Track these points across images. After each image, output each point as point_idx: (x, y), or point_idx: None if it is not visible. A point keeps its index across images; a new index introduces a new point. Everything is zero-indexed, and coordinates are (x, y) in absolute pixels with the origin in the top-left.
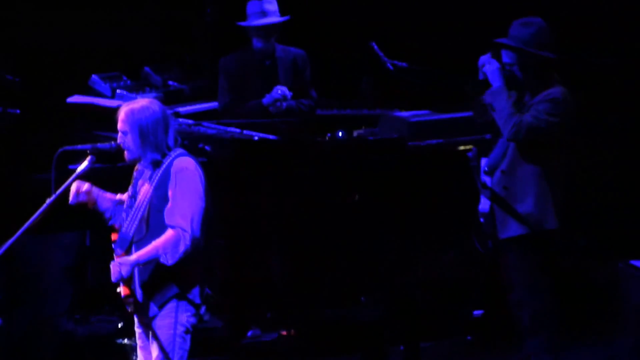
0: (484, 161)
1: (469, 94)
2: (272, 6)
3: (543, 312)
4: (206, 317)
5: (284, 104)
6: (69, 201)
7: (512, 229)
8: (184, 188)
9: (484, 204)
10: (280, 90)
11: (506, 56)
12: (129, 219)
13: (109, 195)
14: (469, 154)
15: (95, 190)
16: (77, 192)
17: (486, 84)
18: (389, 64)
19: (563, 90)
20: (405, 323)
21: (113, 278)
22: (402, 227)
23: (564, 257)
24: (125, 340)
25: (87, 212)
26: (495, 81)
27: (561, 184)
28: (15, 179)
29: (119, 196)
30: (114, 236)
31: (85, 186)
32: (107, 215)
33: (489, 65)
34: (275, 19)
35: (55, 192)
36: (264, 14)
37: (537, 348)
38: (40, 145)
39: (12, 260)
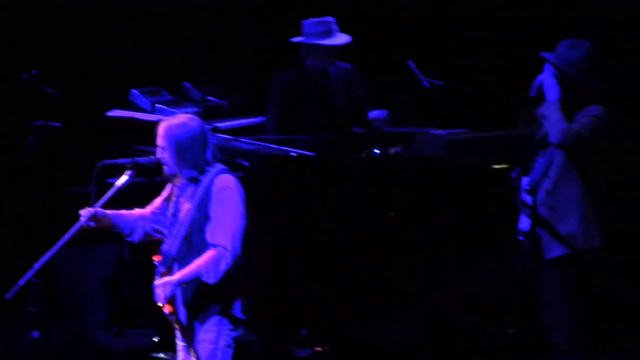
0: (524, 180)
1: (516, 108)
2: (336, 26)
3: (578, 332)
4: (244, 331)
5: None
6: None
7: (558, 249)
8: (225, 207)
9: (525, 223)
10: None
11: (548, 71)
12: (171, 237)
13: (124, 212)
14: (512, 174)
15: (106, 213)
16: (87, 221)
17: (534, 100)
18: (425, 82)
19: (603, 108)
20: (439, 342)
21: (159, 300)
22: (437, 245)
23: (598, 276)
24: (161, 355)
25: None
26: (553, 95)
27: (602, 203)
28: (56, 192)
29: (137, 211)
30: (156, 257)
31: (85, 211)
32: (126, 232)
33: (547, 80)
34: (345, 39)
35: (95, 205)
36: (330, 33)
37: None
38: (81, 159)
39: (50, 273)
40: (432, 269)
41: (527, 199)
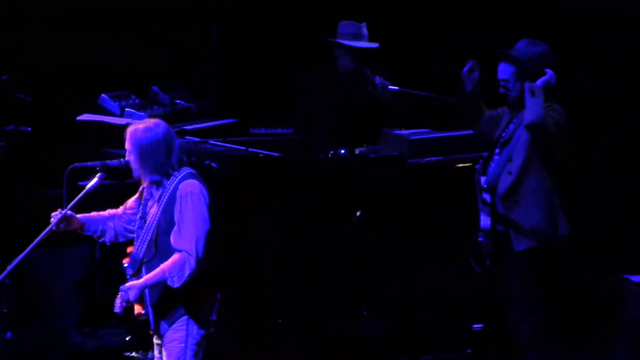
0: (482, 179)
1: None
2: (366, 30)
3: (543, 328)
4: (212, 330)
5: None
6: (54, 229)
7: (527, 241)
8: (189, 212)
9: (485, 221)
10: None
11: (503, 72)
12: (139, 240)
13: (95, 214)
14: (477, 166)
15: (75, 216)
16: (57, 224)
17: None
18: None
19: (559, 107)
20: (406, 337)
21: (117, 309)
22: (403, 243)
23: (561, 272)
24: (134, 353)
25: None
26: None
27: (567, 197)
28: (27, 195)
29: (109, 212)
30: (125, 260)
31: (56, 214)
32: (97, 234)
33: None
34: (375, 44)
35: (66, 207)
36: (361, 36)
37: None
38: (51, 162)
39: (23, 275)
40: (398, 266)
41: (486, 197)
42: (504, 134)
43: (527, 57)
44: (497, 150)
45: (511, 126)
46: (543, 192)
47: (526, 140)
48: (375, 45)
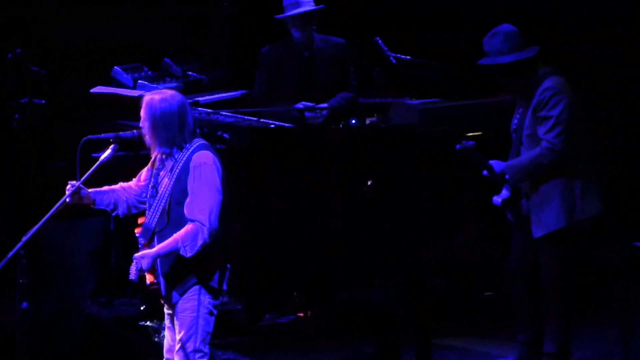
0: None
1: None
2: None
3: (563, 301)
4: (225, 300)
5: (322, 113)
6: (67, 201)
7: (544, 227)
8: (202, 183)
9: (505, 193)
10: (302, 105)
11: (495, 70)
12: (151, 210)
13: (107, 188)
14: (471, 142)
15: (88, 192)
16: (71, 195)
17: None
18: (392, 58)
19: (557, 80)
20: (417, 305)
21: (132, 276)
22: (414, 212)
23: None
24: (148, 322)
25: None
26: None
27: (587, 170)
28: (41, 167)
29: (120, 185)
30: (137, 230)
31: (68, 186)
32: (110, 208)
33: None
34: (307, 7)
35: (79, 180)
36: (298, 4)
37: (553, 332)
38: (65, 135)
39: (38, 246)
40: (409, 235)
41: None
42: (515, 121)
43: (497, 54)
44: (514, 136)
45: (516, 117)
46: (555, 184)
47: (531, 127)
48: (310, 7)
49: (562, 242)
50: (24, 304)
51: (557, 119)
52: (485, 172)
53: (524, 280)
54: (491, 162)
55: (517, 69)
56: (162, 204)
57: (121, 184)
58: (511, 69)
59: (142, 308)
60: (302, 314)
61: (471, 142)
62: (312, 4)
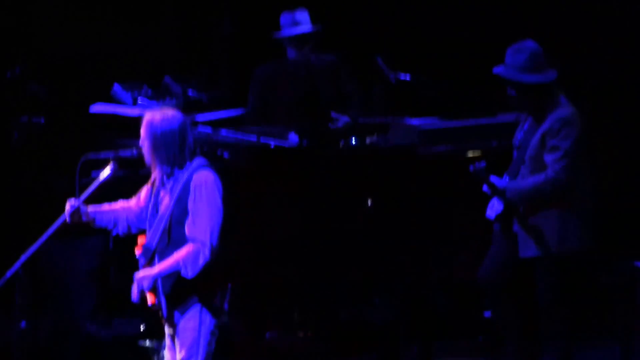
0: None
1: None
2: (304, 17)
3: (560, 322)
4: (225, 319)
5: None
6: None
7: (532, 249)
8: (203, 202)
9: (498, 206)
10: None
11: (513, 85)
12: (152, 229)
13: (107, 207)
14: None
15: (88, 210)
16: (71, 215)
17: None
18: (391, 77)
19: (571, 110)
20: (418, 324)
21: (134, 298)
22: (415, 230)
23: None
24: (147, 342)
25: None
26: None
27: (586, 203)
28: (40, 185)
29: (120, 204)
30: (137, 249)
31: (69, 205)
32: (110, 227)
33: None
34: (305, 28)
35: (79, 198)
36: (296, 24)
37: (552, 352)
38: (65, 153)
39: (37, 264)
40: (409, 254)
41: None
42: (519, 137)
43: (517, 69)
44: (515, 153)
45: (521, 133)
46: (558, 204)
47: (536, 149)
48: (307, 29)
49: (555, 269)
50: (23, 323)
51: (567, 151)
52: (486, 188)
53: (507, 296)
54: (492, 178)
55: (536, 90)
56: (163, 224)
57: (121, 203)
58: (531, 89)
59: (141, 327)
60: (302, 333)
61: (483, 164)
62: (309, 23)
